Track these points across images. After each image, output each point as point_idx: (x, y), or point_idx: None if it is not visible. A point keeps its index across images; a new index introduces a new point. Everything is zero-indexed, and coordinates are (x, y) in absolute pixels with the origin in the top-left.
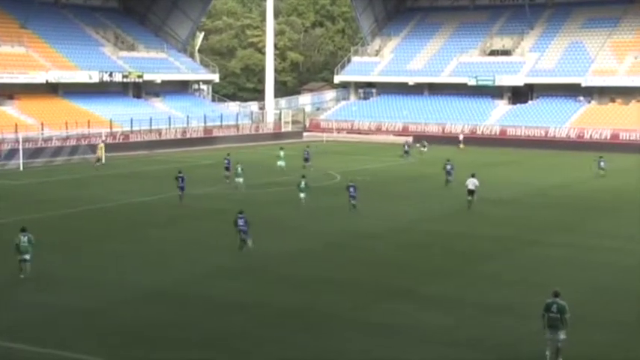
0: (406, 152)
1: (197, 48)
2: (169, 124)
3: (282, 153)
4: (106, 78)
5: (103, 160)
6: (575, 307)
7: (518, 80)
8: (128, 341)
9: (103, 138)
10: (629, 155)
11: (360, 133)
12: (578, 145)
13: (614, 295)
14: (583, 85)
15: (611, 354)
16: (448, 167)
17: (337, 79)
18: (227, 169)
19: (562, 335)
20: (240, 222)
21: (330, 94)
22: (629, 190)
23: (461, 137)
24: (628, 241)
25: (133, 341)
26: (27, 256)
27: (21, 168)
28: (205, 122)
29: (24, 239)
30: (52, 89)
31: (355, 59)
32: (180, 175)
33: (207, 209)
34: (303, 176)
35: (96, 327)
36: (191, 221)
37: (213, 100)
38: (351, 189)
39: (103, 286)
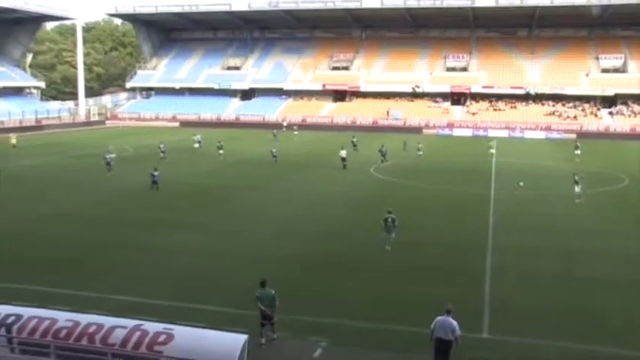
0: (274, 136)
1: (28, 64)
2: (9, 117)
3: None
4: None
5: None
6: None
7: (245, 85)
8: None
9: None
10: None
11: (144, 121)
12: (282, 125)
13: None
14: (285, 88)
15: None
16: (162, 146)
17: (128, 85)
18: None
19: (393, 234)
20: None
21: (123, 95)
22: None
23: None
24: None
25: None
26: None
27: None
28: (37, 115)
29: None
30: None
31: (140, 72)
32: None
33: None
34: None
35: None
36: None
37: (42, 99)
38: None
39: None
